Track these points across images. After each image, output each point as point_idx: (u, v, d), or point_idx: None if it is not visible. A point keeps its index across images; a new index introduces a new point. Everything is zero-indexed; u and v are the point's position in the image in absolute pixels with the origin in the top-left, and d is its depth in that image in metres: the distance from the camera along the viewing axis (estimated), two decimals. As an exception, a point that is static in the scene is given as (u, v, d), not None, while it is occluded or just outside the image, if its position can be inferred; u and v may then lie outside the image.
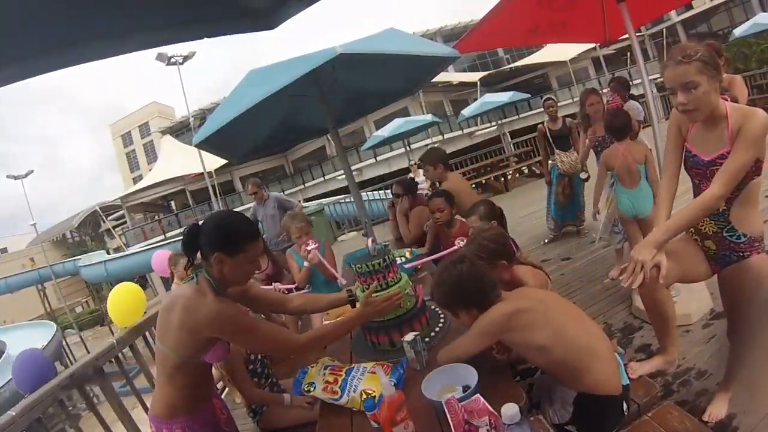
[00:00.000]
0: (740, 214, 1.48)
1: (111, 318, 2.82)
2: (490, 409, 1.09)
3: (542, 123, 4.65)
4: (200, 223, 1.44)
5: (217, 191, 19.42)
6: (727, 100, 1.47)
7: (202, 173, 16.34)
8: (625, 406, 1.39)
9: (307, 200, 21.02)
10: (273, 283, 2.99)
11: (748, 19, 12.88)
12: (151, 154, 32.78)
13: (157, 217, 26.16)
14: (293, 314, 2.05)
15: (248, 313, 1.61)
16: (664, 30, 24.76)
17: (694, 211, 1.44)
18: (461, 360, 1.40)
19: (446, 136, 21.14)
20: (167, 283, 3.72)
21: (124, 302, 2.74)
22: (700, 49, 1.38)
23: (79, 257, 21.60)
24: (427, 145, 19.82)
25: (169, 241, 16.67)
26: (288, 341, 1.47)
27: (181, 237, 1.44)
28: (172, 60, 15.35)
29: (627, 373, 1.61)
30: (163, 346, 1.36)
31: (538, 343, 1.34)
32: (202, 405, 1.49)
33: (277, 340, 1.46)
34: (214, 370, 3.01)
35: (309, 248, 2.90)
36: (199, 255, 1.41)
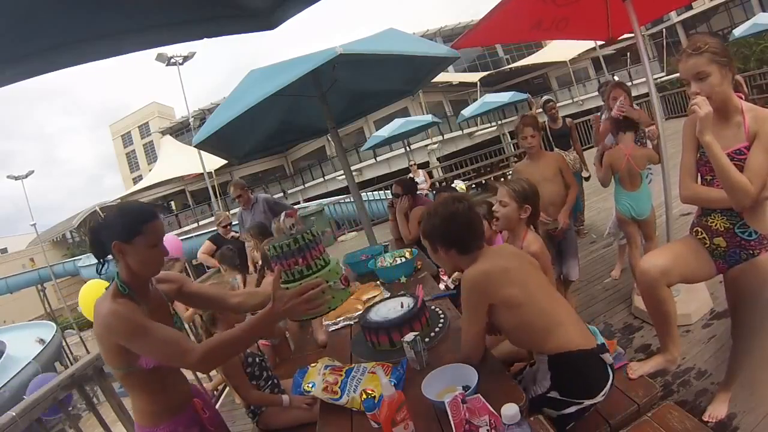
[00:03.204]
0: (753, 211, 1.48)
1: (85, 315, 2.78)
2: (491, 409, 1.09)
3: (543, 121, 4.65)
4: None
5: (217, 191, 19.41)
6: (741, 97, 1.51)
7: (202, 173, 16.34)
8: (606, 365, 1.38)
9: (307, 200, 21.01)
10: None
11: (748, 19, 12.87)
12: (151, 155, 32.77)
13: (157, 218, 26.12)
14: (235, 311, 1.81)
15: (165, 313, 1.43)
16: (664, 30, 24.75)
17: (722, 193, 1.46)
18: (479, 345, 1.43)
19: (446, 136, 21.12)
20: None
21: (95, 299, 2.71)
22: (710, 41, 1.42)
23: (79, 257, 21.59)
24: (426, 145, 19.87)
25: (169, 241, 16.63)
26: (184, 351, 1.22)
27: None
28: (172, 60, 15.35)
29: (627, 374, 1.61)
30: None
31: (512, 299, 1.36)
32: (182, 407, 1.42)
33: (173, 349, 1.23)
34: (214, 372, 3.03)
35: None
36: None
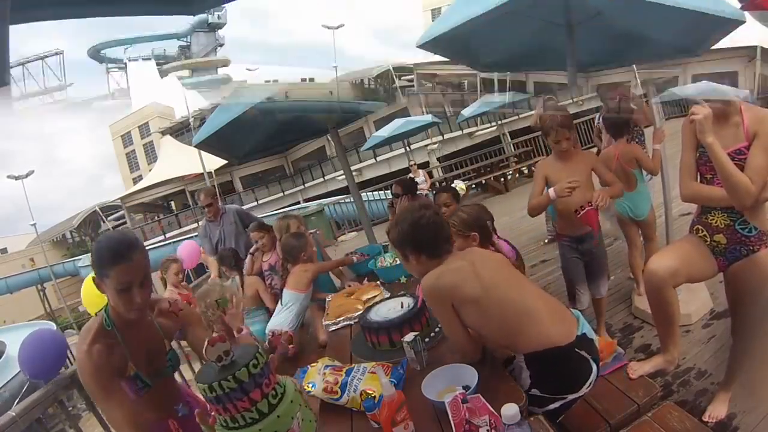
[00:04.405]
0: (753, 209, 1.49)
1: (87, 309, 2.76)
2: (490, 409, 1.09)
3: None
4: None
5: (217, 191, 19.39)
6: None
7: (202, 173, 16.34)
8: (587, 356, 1.34)
9: (307, 200, 21.01)
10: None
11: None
12: (151, 155, 32.72)
13: (157, 218, 26.16)
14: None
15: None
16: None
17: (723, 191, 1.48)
18: (466, 342, 1.42)
19: (446, 136, 21.10)
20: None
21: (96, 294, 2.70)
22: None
23: (79, 257, 21.57)
24: (426, 145, 19.85)
25: (168, 241, 16.65)
26: (120, 424, 1.25)
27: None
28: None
29: (627, 374, 1.61)
30: None
31: (467, 293, 1.35)
32: (152, 424, 1.36)
33: (113, 416, 1.27)
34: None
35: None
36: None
